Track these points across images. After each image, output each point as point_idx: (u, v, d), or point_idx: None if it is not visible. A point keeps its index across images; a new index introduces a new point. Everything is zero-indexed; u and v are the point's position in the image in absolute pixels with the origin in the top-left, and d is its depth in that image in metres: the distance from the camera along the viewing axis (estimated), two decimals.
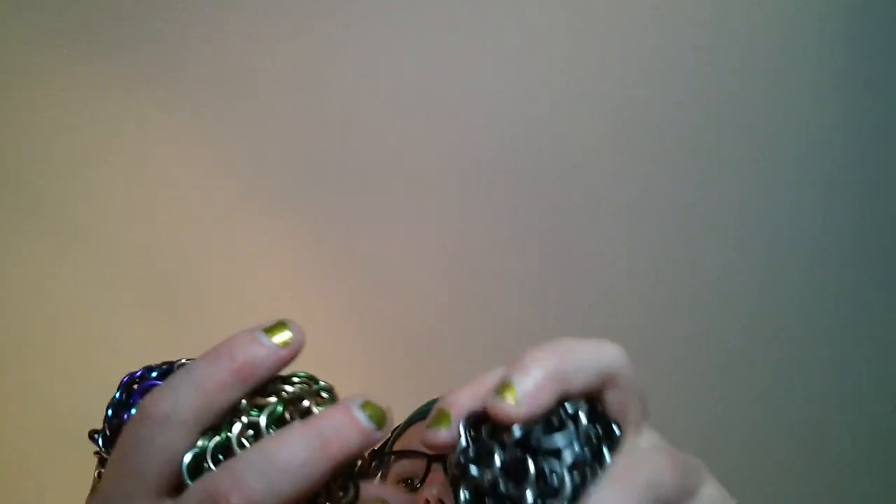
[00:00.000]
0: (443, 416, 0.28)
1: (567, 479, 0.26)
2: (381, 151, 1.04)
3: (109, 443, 0.33)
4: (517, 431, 0.27)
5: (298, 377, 0.31)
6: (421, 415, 0.59)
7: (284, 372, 0.31)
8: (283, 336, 0.30)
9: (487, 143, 1.05)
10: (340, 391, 0.31)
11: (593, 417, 0.28)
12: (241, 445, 0.28)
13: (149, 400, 0.28)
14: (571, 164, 1.05)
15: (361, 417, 0.28)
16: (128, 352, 1.02)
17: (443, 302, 1.05)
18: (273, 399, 0.29)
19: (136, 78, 1.04)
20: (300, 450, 0.26)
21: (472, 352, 1.06)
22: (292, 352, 0.30)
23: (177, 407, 0.28)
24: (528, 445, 0.27)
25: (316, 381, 0.31)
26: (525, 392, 0.27)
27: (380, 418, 0.28)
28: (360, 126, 1.04)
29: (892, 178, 1.07)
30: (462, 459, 0.27)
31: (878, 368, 1.06)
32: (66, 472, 1.01)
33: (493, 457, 0.27)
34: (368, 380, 1.02)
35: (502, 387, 0.27)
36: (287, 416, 0.29)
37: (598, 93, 1.05)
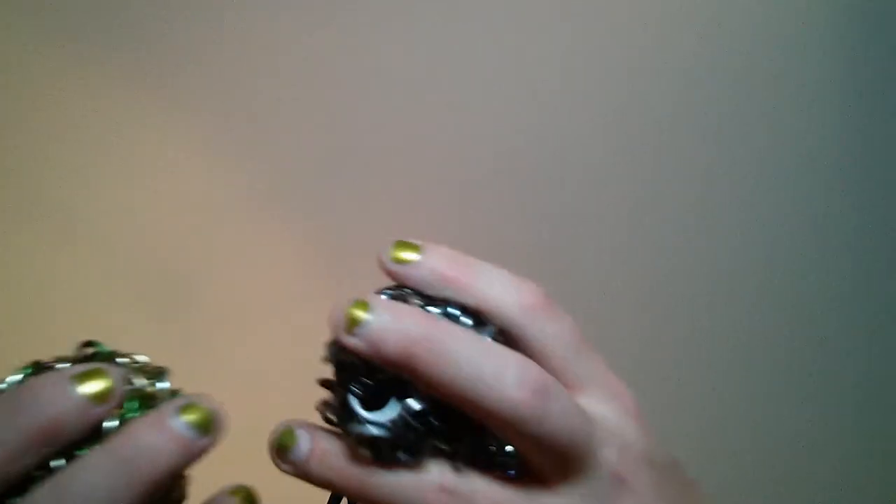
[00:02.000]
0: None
1: None
2: (385, 150, 1.04)
3: None
4: None
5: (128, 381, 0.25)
6: None
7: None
8: (96, 386, 0.25)
9: (490, 141, 1.05)
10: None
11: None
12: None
13: None
14: (573, 163, 1.05)
15: (178, 426, 0.24)
16: (129, 350, 1.02)
17: None
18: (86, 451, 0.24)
19: (136, 77, 1.04)
20: (101, 479, 0.22)
21: None
22: (107, 408, 0.24)
23: None
24: None
25: (153, 384, 0.26)
26: None
27: (204, 423, 0.24)
28: (364, 125, 1.04)
29: (893, 177, 1.07)
30: None
31: (880, 369, 1.06)
32: None
33: None
34: None
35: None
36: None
37: (598, 91, 1.05)
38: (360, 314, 0.26)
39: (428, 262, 0.29)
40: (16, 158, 1.04)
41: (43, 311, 1.04)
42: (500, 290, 0.30)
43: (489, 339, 0.28)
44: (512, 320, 0.29)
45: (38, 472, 0.23)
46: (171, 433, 0.24)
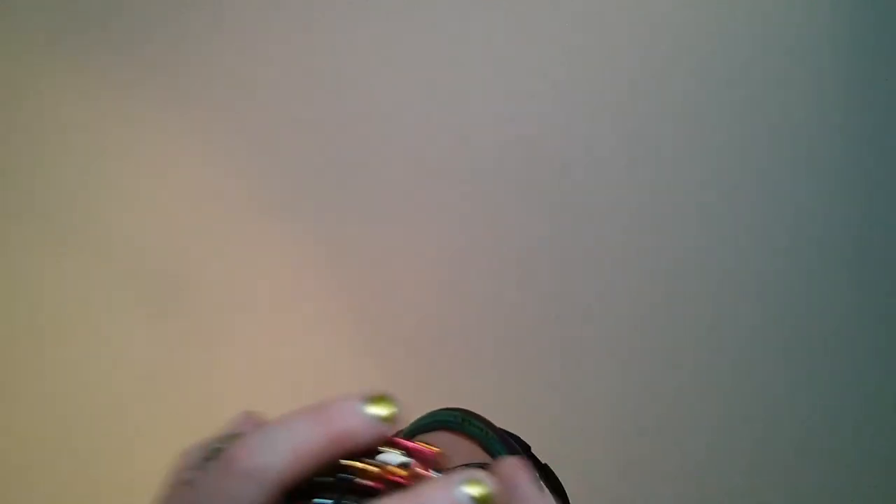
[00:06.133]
0: None
1: None
2: (383, 149, 1.04)
3: None
4: None
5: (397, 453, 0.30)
6: (425, 426, 0.60)
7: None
8: (384, 410, 0.30)
9: (493, 141, 1.05)
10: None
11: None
12: None
13: (240, 450, 0.27)
14: (575, 162, 1.05)
15: (462, 496, 0.28)
16: (129, 353, 1.02)
17: (450, 304, 1.05)
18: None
19: (137, 77, 1.04)
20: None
21: (480, 355, 1.06)
22: (389, 428, 0.29)
23: (268, 465, 0.27)
24: None
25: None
26: None
27: (485, 499, 0.28)
28: (366, 126, 1.04)
29: (893, 177, 1.07)
30: None
31: (881, 368, 1.06)
32: (67, 475, 1.01)
33: None
34: (374, 383, 1.02)
35: None
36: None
37: (600, 92, 1.05)
38: None
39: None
40: (14, 160, 1.04)
41: (42, 311, 1.04)
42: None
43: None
44: None
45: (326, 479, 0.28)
46: (454, 499, 0.27)
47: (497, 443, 0.56)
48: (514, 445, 0.58)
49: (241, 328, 1.03)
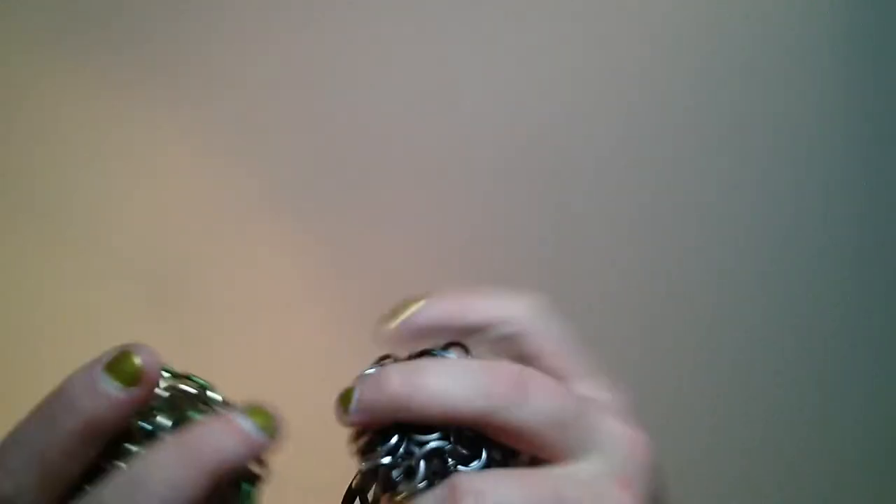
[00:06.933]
0: None
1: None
2: (386, 148, 1.04)
3: None
4: None
5: (179, 390, 0.28)
6: None
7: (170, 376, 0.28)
8: (129, 368, 0.26)
9: (495, 142, 1.05)
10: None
11: None
12: None
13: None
14: (576, 164, 1.05)
15: (247, 426, 0.26)
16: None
17: None
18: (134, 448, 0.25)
19: (139, 76, 1.03)
20: (172, 469, 0.24)
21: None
22: (145, 390, 0.26)
23: (20, 491, 0.24)
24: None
25: (204, 394, 0.28)
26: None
27: (268, 425, 0.27)
28: (365, 123, 1.04)
29: (893, 177, 1.07)
30: None
31: (881, 368, 1.06)
32: None
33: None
34: None
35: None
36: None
37: (603, 92, 1.05)
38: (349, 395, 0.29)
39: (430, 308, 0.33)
40: (14, 160, 1.04)
41: (42, 312, 1.04)
42: (501, 302, 0.33)
43: (465, 360, 0.31)
44: (512, 327, 0.33)
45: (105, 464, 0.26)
46: (239, 432, 0.26)
47: None
48: None
49: (242, 328, 1.03)
